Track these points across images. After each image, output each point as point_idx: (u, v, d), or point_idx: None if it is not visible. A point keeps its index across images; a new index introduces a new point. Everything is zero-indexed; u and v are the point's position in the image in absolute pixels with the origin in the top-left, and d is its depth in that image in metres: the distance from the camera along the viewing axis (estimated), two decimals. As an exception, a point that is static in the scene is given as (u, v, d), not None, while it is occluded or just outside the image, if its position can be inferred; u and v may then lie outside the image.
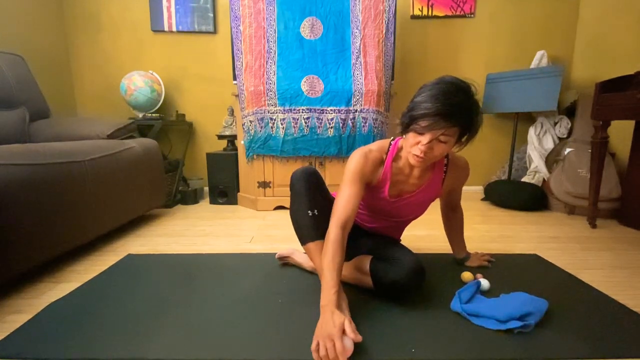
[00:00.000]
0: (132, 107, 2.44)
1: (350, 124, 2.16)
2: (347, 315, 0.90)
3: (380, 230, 1.22)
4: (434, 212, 1.17)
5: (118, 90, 2.41)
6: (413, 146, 0.92)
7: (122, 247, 1.58)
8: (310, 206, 1.08)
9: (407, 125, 0.92)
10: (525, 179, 2.52)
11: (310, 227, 1.06)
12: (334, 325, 0.77)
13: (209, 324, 0.95)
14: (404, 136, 0.97)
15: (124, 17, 2.61)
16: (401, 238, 1.31)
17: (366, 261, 1.08)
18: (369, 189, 1.06)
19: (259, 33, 2.16)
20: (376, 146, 1.06)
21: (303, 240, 1.09)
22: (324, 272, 0.89)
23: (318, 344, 0.77)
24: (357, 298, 1.04)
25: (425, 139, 0.89)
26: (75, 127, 1.90)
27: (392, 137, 1.09)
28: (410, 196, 1.09)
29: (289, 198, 1.14)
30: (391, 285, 1.01)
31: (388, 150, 1.06)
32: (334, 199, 1.04)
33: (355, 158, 1.01)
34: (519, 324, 0.89)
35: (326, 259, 0.90)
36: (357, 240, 1.17)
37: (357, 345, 0.79)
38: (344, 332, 0.77)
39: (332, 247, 0.91)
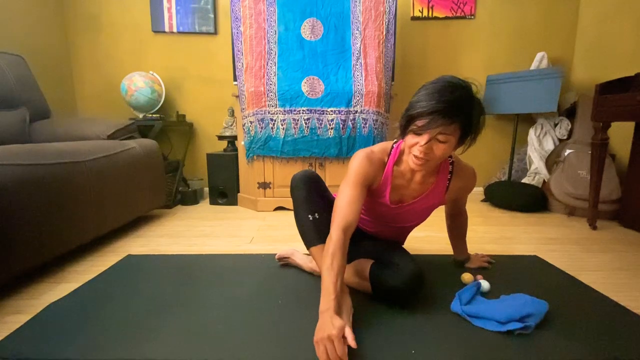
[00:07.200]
0: (133, 108, 2.45)
1: (351, 125, 2.17)
2: (347, 322, 0.88)
3: (382, 234, 1.21)
4: (434, 212, 1.17)
5: (118, 90, 2.42)
6: (412, 147, 0.90)
7: (122, 247, 1.58)
8: (310, 210, 1.08)
9: (405, 126, 0.90)
10: (525, 180, 2.52)
11: (312, 231, 1.07)
12: (333, 327, 0.75)
13: (208, 324, 0.94)
14: (403, 139, 0.95)
15: (124, 17, 2.61)
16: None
17: (366, 266, 1.06)
18: (370, 192, 1.04)
19: (260, 34, 2.17)
20: (378, 148, 1.05)
21: (307, 245, 1.09)
22: (323, 277, 0.87)
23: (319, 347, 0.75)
24: (357, 299, 1.04)
25: (423, 139, 0.87)
26: (75, 128, 1.90)
27: (394, 140, 1.07)
28: (412, 203, 1.07)
29: (289, 199, 1.14)
30: (389, 291, 1.00)
31: (390, 152, 1.04)
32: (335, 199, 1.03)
33: (358, 159, 0.99)
34: (519, 325, 0.89)
35: (326, 264, 0.88)
36: (358, 242, 1.16)
37: (357, 346, 0.78)
38: (343, 336, 0.75)
39: (332, 252, 0.88)
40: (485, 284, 1.11)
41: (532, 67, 2.53)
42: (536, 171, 2.48)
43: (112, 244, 1.62)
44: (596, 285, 1.18)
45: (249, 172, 2.33)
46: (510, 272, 1.29)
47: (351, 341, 0.74)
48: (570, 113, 2.54)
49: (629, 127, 1.99)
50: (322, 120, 2.16)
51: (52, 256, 1.28)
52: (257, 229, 1.90)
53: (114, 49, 2.65)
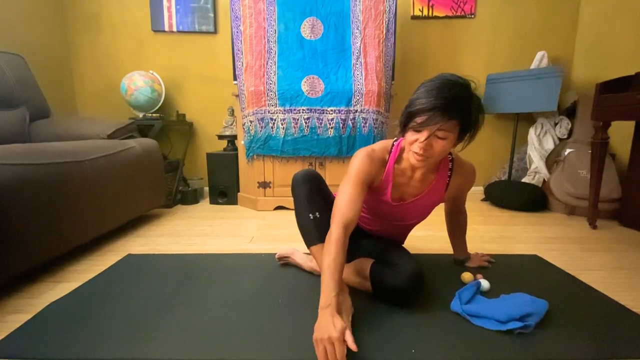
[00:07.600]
0: (133, 107, 2.44)
1: (351, 124, 2.16)
2: (347, 322, 0.88)
3: (382, 233, 1.21)
4: (434, 212, 1.17)
5: (118, 90, 2.41)
6: (412, 144, 0.91)
7: (122, 247, 1.58)
8: (311, 209, 1.08)
9: (405, 123, 0.91)
10: (525, 180, 2.52)
11: (313, 230, 1.07)
12: (335, 329, 0.74)
13: (208, 324, 0.95)
14: (404, 136, 0.96)
15: (124, 17, 2.61)
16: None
17: (367, 265, 1.07)
18: (371, 190, 1.05)
19: (260, 33, 2.16)
20: (379, 146, 1.05)
21: (308, 244, 1.10)
22: (324, 274, 0.86)
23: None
24: (357, 299, 1.04)
25: (422, 135, 0.87)
26: (75, 127, 1.90)
27: (395, 138, 1.07)
28: (413, 201, 1.08)
29: (289, 199, 1.14)
30: (390, 290, 1.00)
31: (390, 150, 1.04)
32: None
33: (360, 158, 1.00)
34: (519, 324, 0.89)
35: (326, 261, 0.88)
36: (358, 241, 1.16)
37: (357, 348, 0.77)
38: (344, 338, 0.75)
39: (333, 249, 0.88)
40: (485, 283, 1.12)
41: (533, 66, 2.52)
42: (536, 170, 2.48)
43: (112, 243, 1.62)
44: (596, 285, 1.18)
45: (249, 172, 2.33)
46: (510, 272, 1.29)
47: (352, 344, 0.74)
48: (570, 112, 2.53)
49: (629, 126, 1.99)
50: (322, 120, 2.16)
51: (52, 256, 1.28)
52: (257, 228, 1.90)
53: (114, 48, 2.65)
